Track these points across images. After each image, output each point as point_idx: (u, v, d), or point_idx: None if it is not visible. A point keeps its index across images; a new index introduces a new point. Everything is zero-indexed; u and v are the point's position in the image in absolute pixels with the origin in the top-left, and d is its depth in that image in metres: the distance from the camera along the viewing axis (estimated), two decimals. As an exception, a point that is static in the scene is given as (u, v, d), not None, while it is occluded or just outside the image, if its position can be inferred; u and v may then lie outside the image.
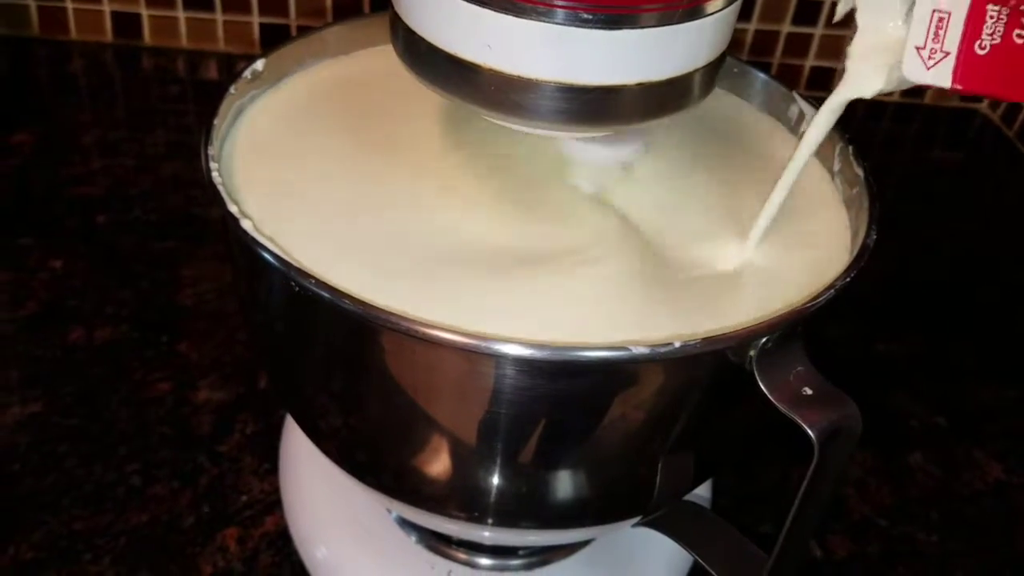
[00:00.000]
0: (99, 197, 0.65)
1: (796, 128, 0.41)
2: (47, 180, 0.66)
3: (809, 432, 0.28)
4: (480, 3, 0.27)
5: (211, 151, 0.31)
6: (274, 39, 0.87)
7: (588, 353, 0.26)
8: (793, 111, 0.41)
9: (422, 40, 0.29)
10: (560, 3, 0.26)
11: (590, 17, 0.26)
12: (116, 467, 0.47)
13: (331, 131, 0.37)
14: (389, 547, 0.42)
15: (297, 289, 0.28)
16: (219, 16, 0.81)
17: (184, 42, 0.83)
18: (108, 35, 0.82)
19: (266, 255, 0.28)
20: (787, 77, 0.83)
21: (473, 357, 0.27)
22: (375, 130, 0.37)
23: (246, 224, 0.29)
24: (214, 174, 0.30)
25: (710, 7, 0.28)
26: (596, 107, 0.28)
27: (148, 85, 0.79)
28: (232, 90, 0.35)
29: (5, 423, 0.48)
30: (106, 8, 0.81)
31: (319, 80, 0.39)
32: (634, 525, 0.36)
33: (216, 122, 0.33)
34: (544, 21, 0.26)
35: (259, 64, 0.37)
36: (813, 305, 0.29)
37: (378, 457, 0.33)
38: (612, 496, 0.34)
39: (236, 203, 0.29)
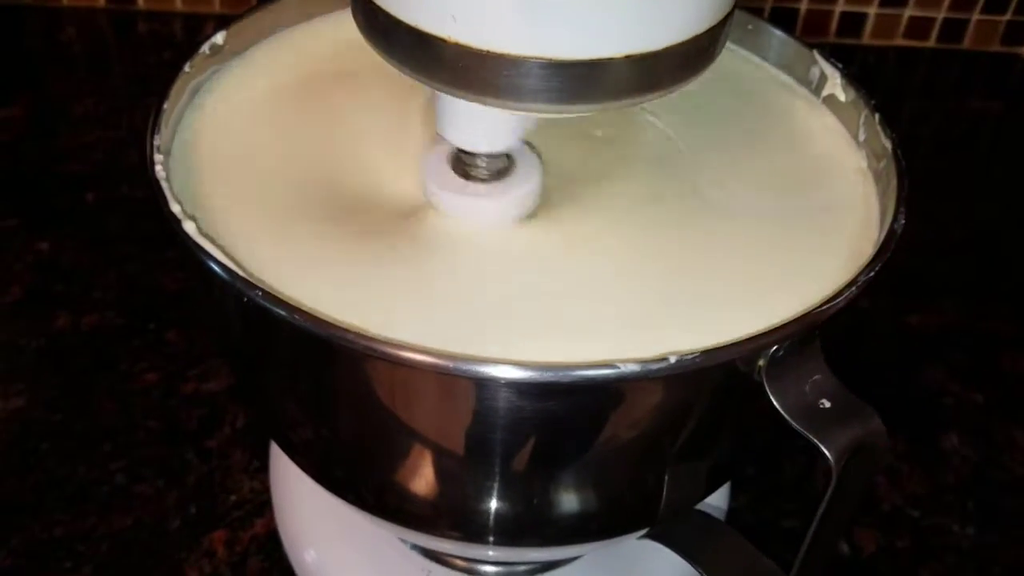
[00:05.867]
0: (89, 173, 0.62)
1: (819, 90, 0.36)
2: (36, 157, 0.63)
3: (826, 452, 0.24)
4: (441, -32, 0.23)
5: (157, 141, 0.28)
6: (272, -1, 0.84)
7: (572, 373, 0.23)
8: (815, 72, 0.36)
9: (380, 10, 0.25)
10: (531, -33, 0.22)
11: (567, -18, 0.23)
12: (100, 465, 0.45)
13: (302, 111, 0.33)
14: (382, 551, 0.39)
15: (246, 300, 0.25)
16: (214, -24, 0.78)
17: (179, 4, 0.79)
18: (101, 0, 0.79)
19: (211, 263, 0.25)
20: (815, 23, 0.78)
21: (444, 379, 0.24)
22: (350, 108, 0.34)
23: (188, 227, 0.26)
24: (157, 167, 0.27)
25: (708, -36, 0.24)
26: (579, 84, 0.24)
27: (143, 51, 0.76)
28: (187, 68, 0.32)
29: (-12, 419, 0.46)
30: (97, -29, 0.78)
31: (287, 50, 0.36)
32: (640, 537, 0.33)
33: (166, 106, 0.30)
34: (514, -12, 0.23)
35: (219, 37, 0.34)
36: (831, 307, 0.25)
37: (356, 475, 0.30)
38: (615, 511, 0.30)
39: (179, 202, 0.26)
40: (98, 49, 0.76)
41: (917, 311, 0.56)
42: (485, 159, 0.29)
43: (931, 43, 0.80)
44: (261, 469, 0.45)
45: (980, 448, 0.49)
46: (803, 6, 0.78)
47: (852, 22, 0.79)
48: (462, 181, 0.30)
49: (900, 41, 0.80)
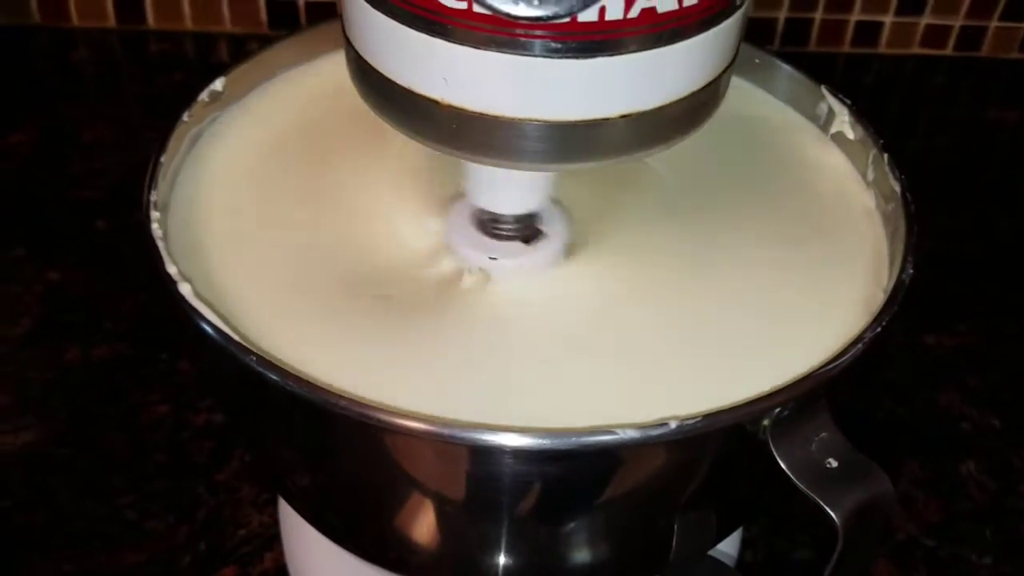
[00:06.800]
0: (100, 200, 0.62)
1: (827, 127, 0.36)
2: (46, 183, 0.63)
3: (832, 515, 0.24)
4: (430, 31, 0.23)
5: (154, 197, 0.28)
6: (282, 17, 0.84)
7: (570, 439, 0.23)
8: (823, 108, 0.36)
9: (373, 69, 0.25)
10: (522, 31, 0.22)
11: (559, 46, 0.22)
12: (109, 500, 0.45)
13: (306, 159, 0.33)
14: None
15: (241, 365, 0.24)
16: (223, -5, 0.78)
17: (189, 24, 0.79)
18: (111, 20, 0.79)
19: (206, 327, 0.25)
20: (831, 33, 0.77)
21: (442, 445, 0.24)
22: (355, 155, 0.33)
23: (184, 289, 0.25)
24: (154, 226, 0.27)
25: (704, 23, 0.23)
26: (574, 144, 0.24)
27: (154, 71, 0.76)
28: (185, 117, 0.32)
29: (-1, 454, 0.46)
30: (107, -9, 0.78)
31: (290, 94, 0.35)
32: (646, 584, 0.32)
33: (164, 160, 0.30)
34: (505, 52, 0.22)
35: (218, 83, 0.33)
36: (836, 366, 0.25)
37: (355, 529, 0.30)
38: (623, 562, 0.30)
39: (175, 263, 0.26)
40: (109, 70, 0.76)
41: (933, 331, 0.55)
42: (512, 220, 0.29)
43: (948, 51, 0.79)
44: (270, 502, 0.44)
45: (998, 475, 0.48)
46: (818, 16, 0.77)
47: (868, 31, 0.78)
48: (491, 241, 0.30)
49: (917, 50, 0.79)
